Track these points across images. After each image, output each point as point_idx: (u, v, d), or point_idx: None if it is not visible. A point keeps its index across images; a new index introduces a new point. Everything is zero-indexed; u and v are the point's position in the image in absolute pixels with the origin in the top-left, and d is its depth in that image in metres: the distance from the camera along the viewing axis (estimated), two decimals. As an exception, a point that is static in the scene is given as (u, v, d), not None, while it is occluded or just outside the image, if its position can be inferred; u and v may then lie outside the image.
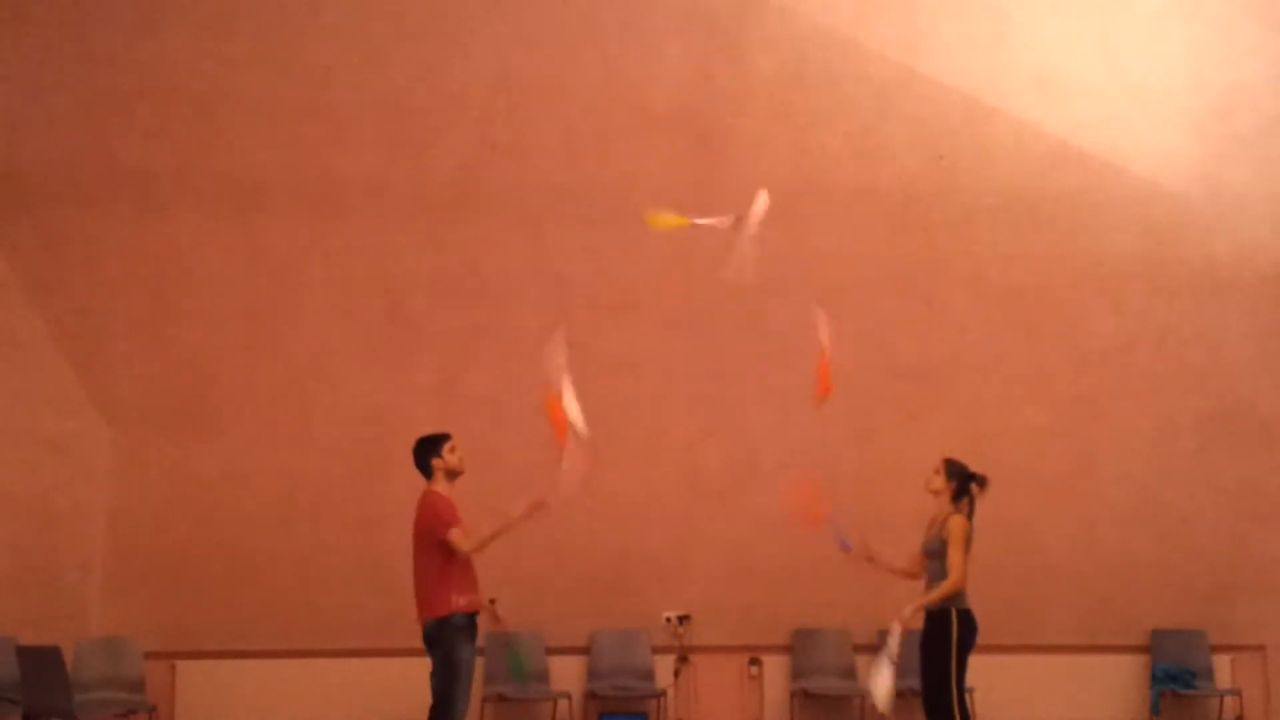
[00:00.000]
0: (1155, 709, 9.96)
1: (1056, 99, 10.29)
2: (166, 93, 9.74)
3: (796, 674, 9.90)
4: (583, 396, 9.76)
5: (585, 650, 9.85)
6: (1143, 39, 10.38)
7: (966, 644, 6.95)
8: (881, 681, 6.96)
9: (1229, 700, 10.04)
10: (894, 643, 6.91)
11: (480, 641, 7.01)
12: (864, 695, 9.82)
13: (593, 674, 9.79)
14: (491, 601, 6.95)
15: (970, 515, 7.09)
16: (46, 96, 9.61)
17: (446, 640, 6.69)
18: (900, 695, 9.54)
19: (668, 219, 7.18)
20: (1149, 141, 10.34)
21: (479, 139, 9.96)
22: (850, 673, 9.90)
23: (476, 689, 7.24)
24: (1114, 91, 10.33)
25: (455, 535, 6.68)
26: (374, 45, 9.89)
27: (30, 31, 9.63)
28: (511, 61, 9.96)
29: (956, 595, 6.97)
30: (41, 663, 8.48)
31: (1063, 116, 10.28)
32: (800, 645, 9.96)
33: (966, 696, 7.00)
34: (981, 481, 7.11)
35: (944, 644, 6.91)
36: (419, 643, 6.91)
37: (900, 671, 7.53)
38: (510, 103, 9.96)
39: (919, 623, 7.07)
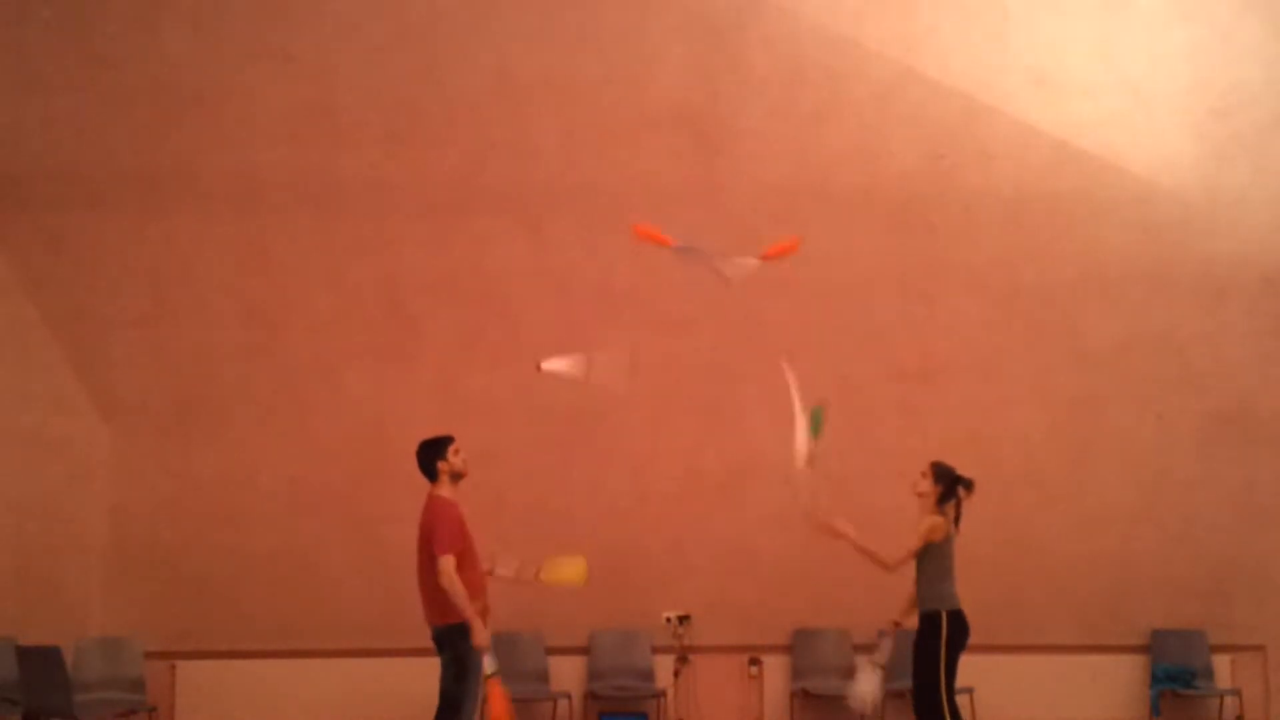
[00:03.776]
0: (1155, 709, 9.96)
1: (1056, 99, 10.27)
2: (166, 93, 9.72)
3: (796, 674, 9.90)
4: (583, 396, 9.81)
5: (585, 650, 9.86)
6: (1143, 39, 10.36)
7: (956, 645, 6.98)
8: (866, 686, 7.03)
9: (1229, 700, 10.05)
10: (885, 648, 6.99)
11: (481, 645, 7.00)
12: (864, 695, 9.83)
13: (593, 674, 9.80)
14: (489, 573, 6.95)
15: (958, 519, 7.13)
16: (46, 96, 9.60)
17: (456, 642, 6.69)
18: (900, 695, 9.63)
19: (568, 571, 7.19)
20: (1149, 141, 10.32)
21: (479, 139, 9.95)
22: (850, 673, 9.87)
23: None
24: (1114, 91, 10.31)
25: (446, 565, 6.64)
26: (374, 45, 9.88)
27: (30, 31, 9.62)
28: (511, 61, 9.95)
29: (945, 596, 7.01)
30: (41, 663, 8.49)
31: (1063, 116, 10.26)
32: (800, 645, 9.97)
33: (961, 696, 7.03)
34: (968, 485, 7.14)
35: (933, 645, 6.96)
36: (419, 642, 6.92)
37: (888, 675, 7.59)
38: (510, 103, 9.95)
39: (911, 622, 7.12)
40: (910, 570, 7.34)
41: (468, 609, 6.60)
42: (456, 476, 6.93)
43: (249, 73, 9.76)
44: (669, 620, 9.89)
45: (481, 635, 6.61)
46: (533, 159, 9.96)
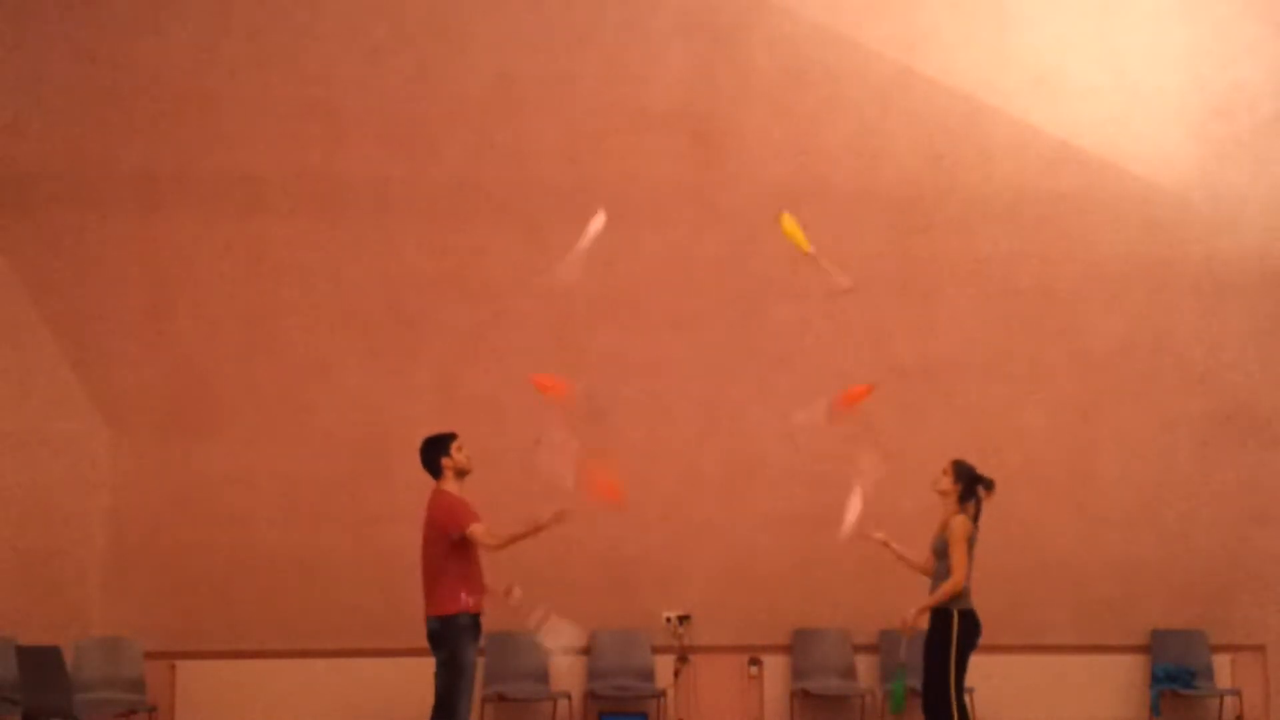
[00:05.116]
0: (1155, 709, 9.96)
1: (1056, 99, 10.29)
2: (166, 93, 9.74)
3: (796, 674, 9.90)
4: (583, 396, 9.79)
5: (585, 650, 9.84)
6: (1143, 39, 10.38)
7: (968, 644, 6.96)
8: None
9: (1229, 700, 10.04)
10: (904, 647, 7.00)
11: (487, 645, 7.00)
12: (864, 695, 9.83)
13: (593, 674, 9.79)
14: (506, 592, 6.86)
15: (976, 517, 7.11)
16: (46, 96, 9.61)
17: (451, 639, 6.69)
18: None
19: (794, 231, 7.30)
20: (1149, 141, 10.34)
21: (479, 139, 9.96)
22: (850, 673, 9.89)
23: (477, 689, 7.24)
24: (1114, 91, 10.33)
25: (478, 530, 6.68)
26: (374, 45, 9.89)
27: (30, 31, 9.63)
28: (511, 61, 9.95)
29: (959, 596, 6.98)
30: (41, 663, 8.48)
31: (1063, 116, 10.28)
32: (800, 645, 9.96)
33: (967, 696, 7.01)
34: (989, 484, 7.13)
35: (945, 644, 6.93)
36: (419, 642, 6.91)
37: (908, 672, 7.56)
38: (510, 103, 9.96)
39: (924, 623, 7.09)
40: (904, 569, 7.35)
41: (528, 528, 6.65)
42: (461, 473, 6.94)
43: (249, 73, 9.78)
44: (669, 620, 9.88)
45: (549, 515, 6.63)
46: (533, 159, 9.97)
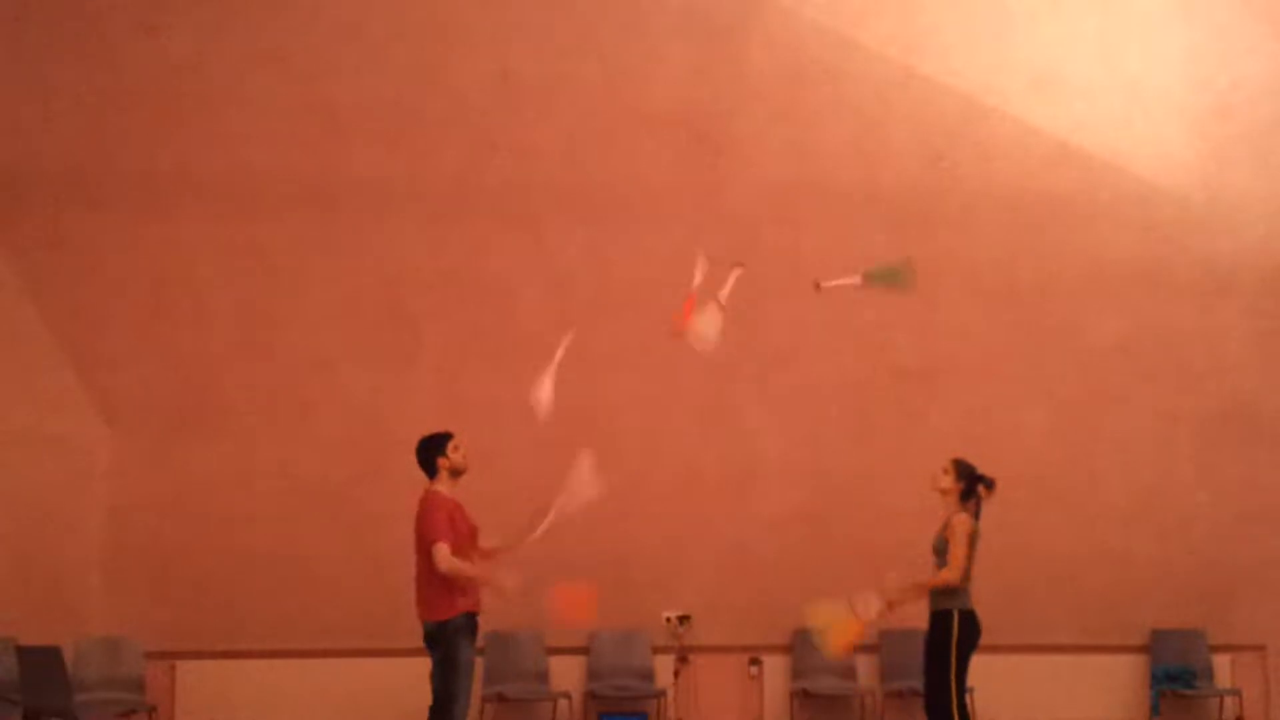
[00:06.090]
0: (1155, 709, 9.96)
1: (1056, 99, 10.29)
2: (166, 93, 9.73)
3: (796, 674, 9.90)
4: (583, 396, 9.80)
5: (585, 650, 9.85)
6: (1142, 39, 10.38)
7: (968, 645, 6.95)
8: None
9: (1229, 700, 10.05)
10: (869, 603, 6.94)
11: (481, 643, 7.00)
12: (864, 695, 9.83)
13: (593, 674, 9.80)
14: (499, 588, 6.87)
15: (976, 516, 7.11)
16: (46, 96, 9.61)
17: (447, 640, 6.68)
18: (901, 695, 9.64)
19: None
20: (1149, 141, 10.33)
21: (479, 139, 9.96)
22: (850, 673, 9.90)
23: (476, 689, 7.23)
24: (1114, 91, 10.33)
25: (440, 551, 6.63)
26: (374, 45, 9.88)
27: (30, 31, 9.62)
28: (511, 61, 9.95)
29: (959, 595, 6.97)
30: (41, 663, 8.49)
31: (1063, 116, 10.28)
32: (800, 645, 9.95)
33: (967, 696, 7.01)
34: (989, 483, 7.12)
35: (945, 644, 6.92)
36: (419, 642, 6.90)
37: (899, 670, 7.52)
38: (510, 103, 9.96)
39: (902, 599, 7.04)
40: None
41: (475, 575, 6.67)
42: (456, 473, 6.92)
43: (249, 73, 9.77)
44: (669, 620, 9.88)
45: (503, 580, 6.66)
46: (533, 159, 9.97)
